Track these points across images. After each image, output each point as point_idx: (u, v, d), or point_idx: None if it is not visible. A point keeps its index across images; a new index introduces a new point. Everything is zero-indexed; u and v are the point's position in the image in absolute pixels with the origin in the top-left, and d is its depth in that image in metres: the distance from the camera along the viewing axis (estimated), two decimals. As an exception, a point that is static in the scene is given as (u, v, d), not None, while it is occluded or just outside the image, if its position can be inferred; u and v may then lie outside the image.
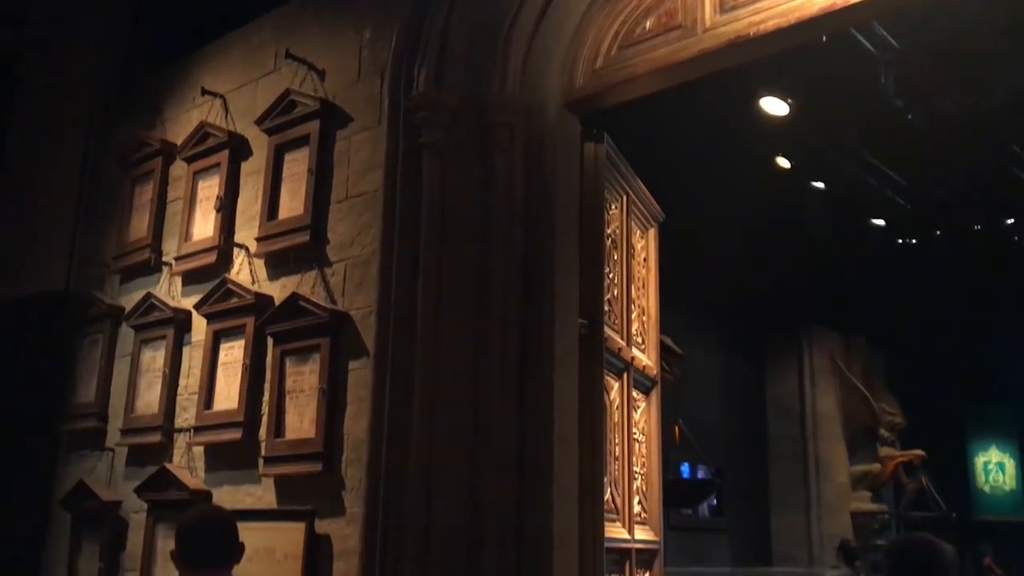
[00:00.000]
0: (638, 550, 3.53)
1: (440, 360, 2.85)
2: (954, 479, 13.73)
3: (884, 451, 11.28)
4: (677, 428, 6.87)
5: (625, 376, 3.58)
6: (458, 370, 2.83)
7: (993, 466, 15.30)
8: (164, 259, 4.08)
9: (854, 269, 10.83)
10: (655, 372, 4.12)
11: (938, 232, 11.58)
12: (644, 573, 3.71)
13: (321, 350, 3.25)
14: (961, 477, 14.70)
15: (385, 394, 2.88)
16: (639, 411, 3.88)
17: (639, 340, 3.92)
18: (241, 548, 2.64)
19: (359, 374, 3.16)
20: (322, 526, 3.11)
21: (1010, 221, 11.47)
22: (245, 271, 3.69)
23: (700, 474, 9.29)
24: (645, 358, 3.95)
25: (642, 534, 3.67)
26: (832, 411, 11.19)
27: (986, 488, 15.16)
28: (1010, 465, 15.27)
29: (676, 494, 6.63)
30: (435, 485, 2.73)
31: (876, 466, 11.20)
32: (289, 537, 3.14)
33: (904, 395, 11.96)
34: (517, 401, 2.75)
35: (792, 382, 11.13)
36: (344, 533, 3.05)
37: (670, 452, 7.20)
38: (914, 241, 10.85)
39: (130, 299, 4.16)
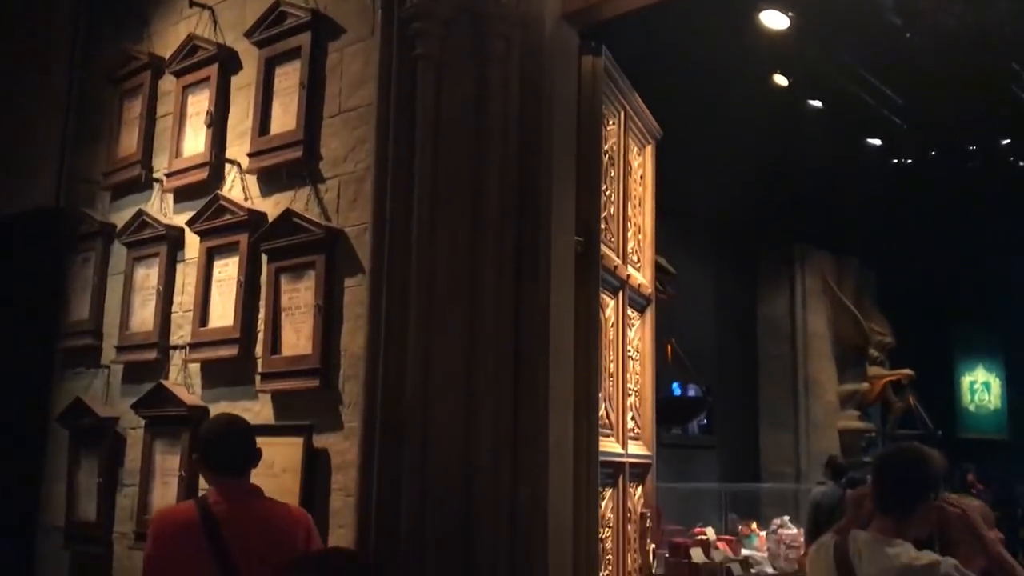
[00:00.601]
0: (631, 464, 3.59)
1: (436, 276, 2.84)
2: (941, 398, 13.96)
3: (873, 370, 11.41)
4: (670, 347, 6.91)
5: (620, 294, 3.58)
6: (454, 286, 2.82)
7: (979, 386, 15.55)
8: (155, 176, 4.02)
9: (849, 189, 10.77)
10: (650, 291, 4.13)
11: (933, 153, 11.51)
12: (637, 486, 3.77)
13: (316, 267, 3.24)
14: (947, 396, 14.96)
15: (381, 310, 2.88)
16: (633, 329, 3.89)
17: (634, 258, 3.91)
18: (259, 454, 2.75)
19: (355, 291, 3.15)
20: (320, 440, 3.14)
21: (1006, 141, 11.40)
22: (237, 187, 3.65)
23: (691, 393, 9.40)
24: (640, 276, 3.95)
25: (635, 449, 3.72)
26: (823, 331, 11.28)
27: (971, 407, 15.45)
28: (995, 385, 15.53)
29: (667, 412, 6.71)
30: (432, 399, 2.75)
31: (865, 385, 11.34)
32: (287, 451, 3.17)
33: (894, 315, 12.05)
34: (513, 317, 2.74)
35: (784, 302, 11.19)
36: (342, 447, 3.08)
37: (662, 370, 7.26)
38: (909, 161, 10.78)
39: (121, 216, 4.12)
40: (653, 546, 3.92)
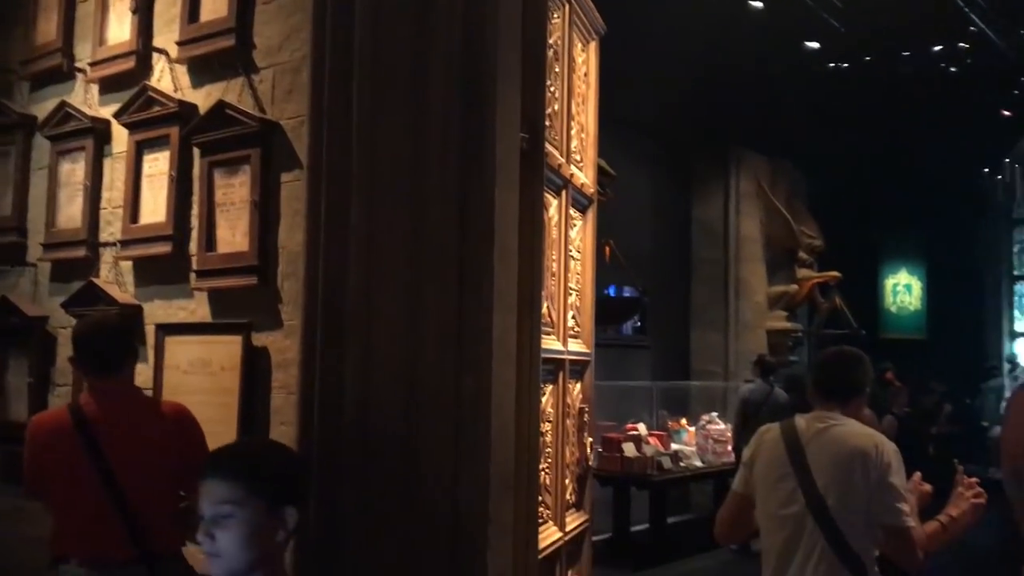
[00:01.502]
0: (571, 361, 3.63)
1: (377, 171, 2.77)
2: (865, 299, 14.44)
3: (802, 273, 11.70)
4: (608, 248, 6.96)
5: (564, 193, 3.56)
6: (397, 181, 2.75)
7: (901, 288, 16.10)
8: (78, 65, 3.82)
9: (785, 93, 10.81)
10: (592, 191, 4.11)
11: (868, 58, 11.57)
12: (576, 383, 3.83)
13: (251, 161, 3.14)
14: (871, 297, 15.48)
15: (321, 206, 2.80)
16: (576, 229, 3.89)
17: (578, 158, 3.88)
18: (133, 353, 2.74)
19: (292, 186, 3.07)
20: (259, 339, 3.10)
21: (938, 48, 11.51)
22: (167, 78, 3.49)
23: (627, 294, 9.54)
24: (583, 176, 3.92)
25: (575, 346, 3.76)
26: (755, 234, 11.47)
27: (893, 308, 16.02)
28: (916, 287, 16.10)
29: (604, 312, 6.79)
30: (375, 296, 2.71)
31: (794, 287, 11.63)
32: (226, 350, 3.13)
33: (823, 219, 12.30)
34: (458, 213, 2.70)
35: (718, 206, 11.32)
36: (282, 345, 3.05)
37: (600, 272, 7.30)
38: (845, 65, 10.82)
39: (43, 108, 3.92)
40: (590, 440, 4.01)
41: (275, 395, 3.07)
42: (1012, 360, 15.06)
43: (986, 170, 14.33)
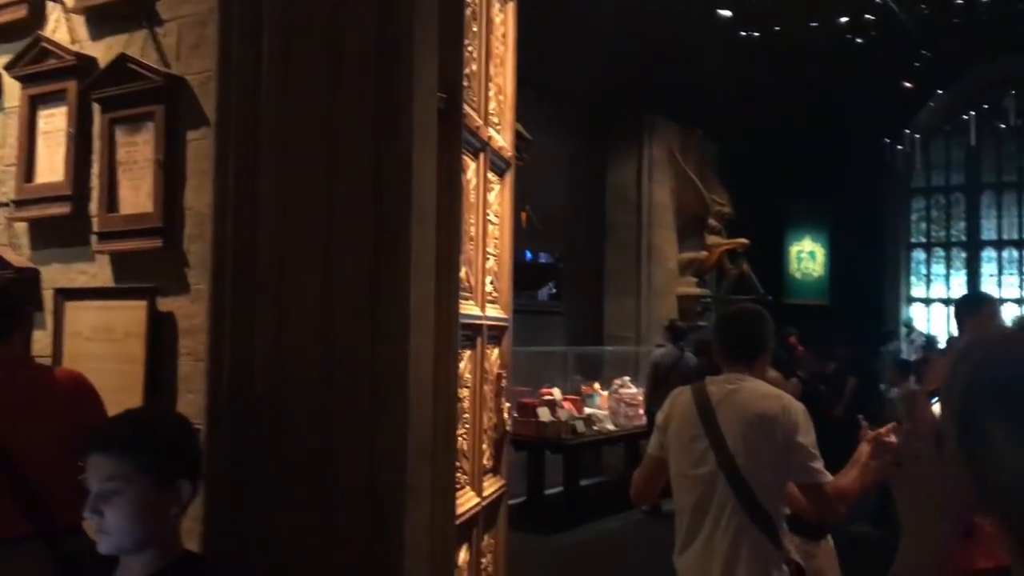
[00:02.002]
0: (489, 327, 3.60)
1: (289, 131, 2.67)
2: (771, 266, 14.82)
3: (711, 239, 11.92)
4: (524, 214, 6.94)
5: (482, 156, 3.51)
6: (309, 142, 2.66)
7: (805, 255, 16.57)
8: (-39, 12, 3.57)
9: (697, 61, 10.93)
10: (510, 154, 4.07)
11: (777, 28, 11.77)
12: (494, 348, 3.80)
13: (155, 118, 2.99)
14: (777, 264, 15.89)
15: (229, 166, 2.69)
16: (494, 193, 3.84)
17: (496, 120, 3.82)
18: (20, 318, 2.73)
19: (199, 144, 2.94)
20: (165, 304, 2.98)
21: (844, 19, 11.78)
22: (62, 29, 3.28)
23: (542, 259, 9.56)
24: (501, 139, 3.87)
25: (493, 312, 3.73)
26: (667, 201, 11.62)
27: (797, 274, 16.49)
28: (820, 254, 16.59)
29: (520, 277, 6.78)
30: (287, 260, 2.62)
31: (703, 253, 11.85)
32: (130, 315, 2.99)
33: (732, 187, 12.54)
34: (373, 175, 2.62)
35: (631, 172, 11.42)
36: (189, 311, 2.94)
37: (516, 237, 7.27)
38: (756, 34, 11.00)
39: (-76, 57, 3.66)
40: (508, 405, 4.01)
41: (182, 362, 2.96)
42: (908, 324, 15.71)
43: (887, 140, 14.78)
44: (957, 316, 4.62)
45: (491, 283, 3.77)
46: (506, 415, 3.95)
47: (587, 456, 9.18)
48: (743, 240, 12.06)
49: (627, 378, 9.59)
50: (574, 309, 10.79)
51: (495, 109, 3.82)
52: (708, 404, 2.93)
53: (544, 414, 7.98)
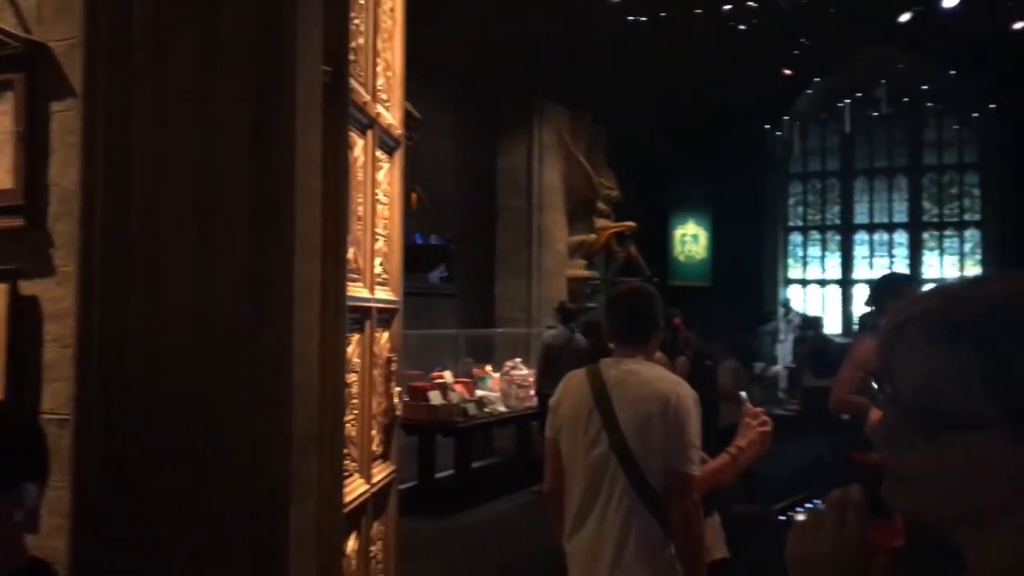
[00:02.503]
0: (378, 309, 3.51)
1: (163, 104, 2.51)
2: (656, 248, 15.12)
3: (600, 222, 12.06)
4: (415, 195, 6.84)
5: (370, 133, 3.40)
6: (185, 115, 2.51)
7: (688, 238, 16.99)
8: None
9: (586, 46, 11.00)
10: (399, 132, 3.97)
11: (663, 14, 11.96)
12: (383, 331, 3.72)
13: (15, 87, 2.77)
14: (662, 247, 16.24)
15: (98, 141, 2.52)
16: (383, 172, 3.74)
17: (384, 97, 3.72)
18: None
19: (65, 117, 2.74)
20: (28, 287, 2.77)
21: (728, 7, 12.05)
22: (-95, -13, 3.01)
23: (433, 241, 9.48)
24: (390, 116, 3.77)
25: (383, 294, 3.65)
26: (557, 184, 11.69)
27: (681, 257, 16.89)
28: (703, 237, 17.04)
29: (411, 259, 6.69)
30: (162, 241, 2.48)
31: (592, 236, 11.97)
32: (-12, 300, 2.78)
33: (620, 171, 12.70)
34: (255, 150, 2.49)
35: (521, 155, 11.42)
36: (55, 294, 2.74)
37: (406, 219, 7.16)
38: (643, 19, 11.13)
39: None
40: (398, 389, 3.93)
41: (48, 349, 2.76)
42: (786, 305, 16.30)
43: (767, 127, 15.24)
44: (876, 296, 4.70)
45: (380, 265, 3.68)
46: (396, 400, 3.88)
47: (479, 438, 9.19)
48: (630, 223, 12.25)
49: (518, 360, 9.62)
50: (466, 291, 10.76)
51: (383, 85, 3.72)
52: (603, 386, 2.94)
53: (435, 397, 7.92)
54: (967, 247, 16.70)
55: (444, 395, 8.00)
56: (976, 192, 16.60)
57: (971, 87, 14.55)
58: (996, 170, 15.47)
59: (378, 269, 3.62)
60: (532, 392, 8.91)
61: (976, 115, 14.47)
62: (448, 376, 8.44)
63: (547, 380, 8.08)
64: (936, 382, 0.88)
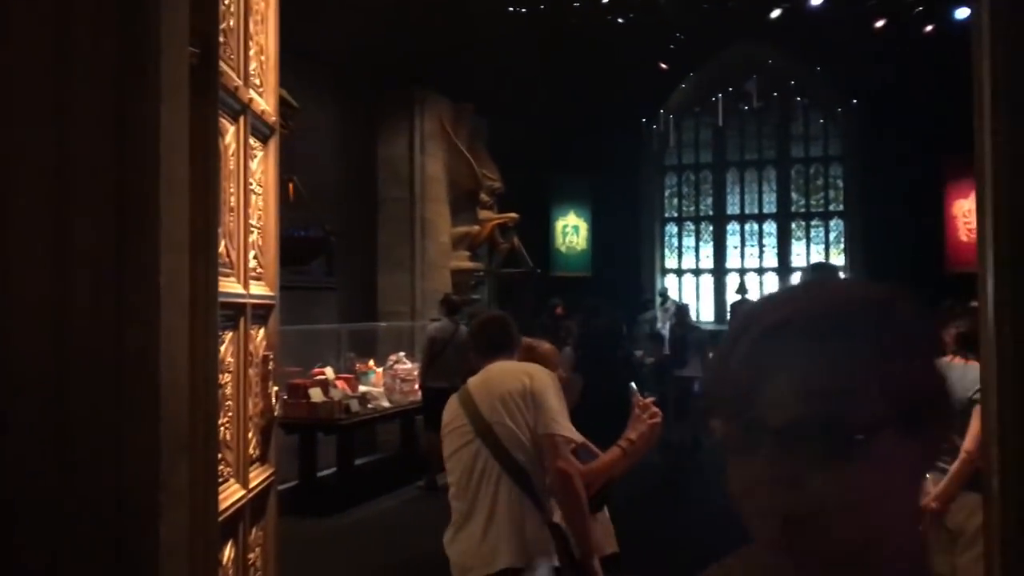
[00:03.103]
0: (253, 305, 3.35)
1: (11, 84, 2.30)
2: (539, 240, 15.21)
3: (483, 214, 12.02)
4: (291, 185, 6.61)
5: (242, 120, 3.23)
6: (37, 96, 2.30)
7: (569, 229, 17.15)
8: None
9: (467, 36, 10.92)
10: (274, 119, 3.80)
11: (543, 6, 12.01)
12: (259, 328, 3.55)
13: None
14: (544, 238, 16.34)
15: (-66, 125, 2.28)
16: (256, 160, 3.57)
17: (257, 82, 3.54)
18: None
19: None
20: None
21: (606, 0, 12.21)
22: None
23: (312, 234, 9.21)
24: (264, 102, 3.60)
25: (258, 289, 3.48)
26: (439, 175, 11.58)
27: (562, 248, 17.05)
28: (583, 228, 17.23)
29: (289, 252, 6.47)
30: (11, 233, 2.27)
31: (475, 227, 11.92)
32: None
33: (502, 162, 12.69)
34: (115, 135, 2.31)
35: (403, 145, 11.26)
36: None
37: (284, 210, 6.92)
38: (523, 10, 11.13)
39: None
40: (276, 388, 3.77)
41: None
42: (663, 294, 16.64)
43: (644, 120, 15.52)
44: None
45: (255, 258, 3.51)
46: (274, 400, 3.71)
47: (362, 434, 9.01)
48: (513, 214, 12.26)
49: (402, 354, 9.49)
50: (347, 285, 10.53)
51: (256, 70, 3.54)
52: (468, 393, 3.21)
53: (316, 395, 7.71)
54: (832, 236, 17.47)
55: (325, 392, 7.80)
56: (840, 183, 17.35)
57: (835, 83, 15.20)
58: (858, 162, 16.22)
59: (252, 263, 3.45)
60: (417, 386, 8.79)
61: (840, 109, 15.11)
62: (329, 372, 8.23)
63: (432, 374, 7.98)
64: (835, 387, 0.77)
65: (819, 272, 5.31)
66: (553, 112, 14.62)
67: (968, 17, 10.61)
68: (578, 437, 3.08)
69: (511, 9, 11.03)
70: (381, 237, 11.36)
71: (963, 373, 3.66)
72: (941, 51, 12.98)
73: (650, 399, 3.22)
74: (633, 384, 3.34)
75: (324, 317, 9.67)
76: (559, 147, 15.36)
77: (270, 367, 3.64)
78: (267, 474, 3.59)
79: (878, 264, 15.07)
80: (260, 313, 3.54)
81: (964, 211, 14.43)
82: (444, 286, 11.12)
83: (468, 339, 3.72)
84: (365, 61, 10.36)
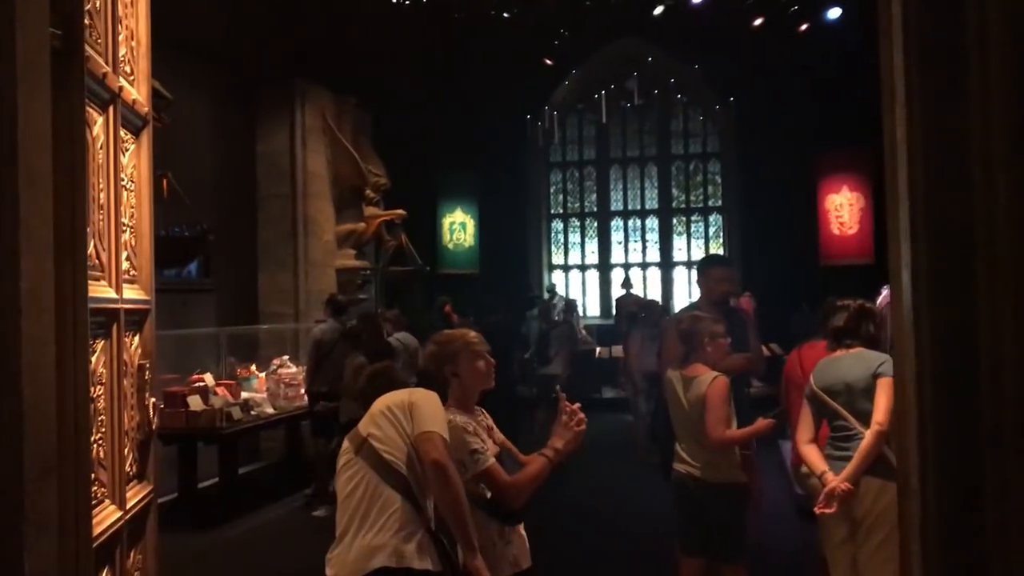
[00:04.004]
0: (127, 311, 3.10)
1: None
2: (426, 237, 15.02)
3: (369, 211, 11.74)
4: (166, 182, 6.24)
5: (111, 109, 2.98)
6: None
7: (457, 226, 17.02)
8: None
9: (351, 26, 10.64)
10: (146, 110, 3.54)
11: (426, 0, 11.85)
12: (134, 335, 3.30)
13: None
14: (431, 235, 16.16)
15: None
16: (128, 154, 3.31)
17: (128, 69, 3.29)
18: None
19: None
20: None
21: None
22: None
23: (188, 232, 8.78)
24: (135, 91, 3.34)
25: (132, 293, 3.23)
26: (322, 171, 11.25)
27: (450, 245, 16.90)
28: (470, 225, 17.13)
29: (164, 252, 6.12)
30: None
31: (361, 225, 11.65)
32: None
33: (388, 158, 12.44)
34: (-36, 125, 2.06)
35: (284, 140, 10.87)
36: None
37: (158, 208, 6.53)
38: (407, 2, 10.94)
39: None
40: (153, 400, 3.51)
41: None
42: (551, 290, 16.72)
43: (528, 117, 15.53)
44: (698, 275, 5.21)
45: (128, 259, 3.25)
46: (152, 412, 3.46)
47: (245, 443, 8.65)
48: (400, 211, 12.02)
49: (286, 357, 9.16)
50: (226, 286, 10.10)
51: (126, 56, 3.28)
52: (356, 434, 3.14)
53: (195, 403, 7.33)
54: (712, 231, 17.91)
55: (205, 400, 7.43)
56: (719, 180, 17.80)
57: (713, 81, 15.56)
58: (736, 159, 16.66)
59: (125, 265, 3.20)
60: (302, 391, 8.48)
61: (718, 107, 15.47)
62: (209, 379, 7.85)
63: (318, 378, 7.71)
64: None
65: (711, 263, 5.41)
66: (439, 107, 14.46)
67: (838, 18, 10.97)
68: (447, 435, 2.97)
69: (394, 1, 10.80)
70: (262, 236, 10.94)
71: (854, 361, 3.73)
72: (814, 51, 13.50)
73: (576, 405, 3.13)
74: (558, 386, 3.27)
75: (202, 320, 9.24)
76: (446, 143, 15.22)
77: (147, 377, 3.39)
78: (145, 492, 3.34)
79: (756, 258, 15.52)
80: (134, 319, 3.29)
81: (836, 206, 15.02)
82: (329, 286, 10.81)
83: (358, 392, 3.49)
84: (243, 51, 9.95)
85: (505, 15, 11.85)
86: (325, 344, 7.79)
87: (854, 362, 3.76)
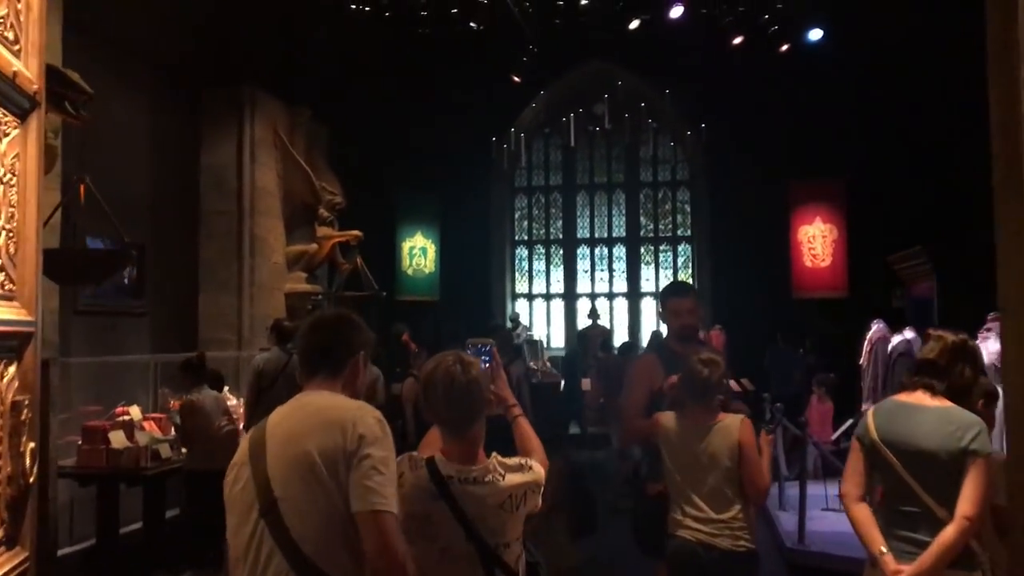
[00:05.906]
0: (6, 334, 2.44)
1: None
2: (384, 261, 14.33)
3: (322, 231, 11.05)
4: (83, 187, 5.49)
5: (-18, 83, 2.27)
6: None
7: (417, 250, 16.36)
8: None
9: (306, 32, 10.00)
10: (35, 88, 2.84)
11: (388, 13, 11.31)
12: (8, 365, 2.60)
13: None
14: (389, 260, 15.46)
15: None
16: (6, 141, 2.63)
17: (9, 36, 2.60)
18: None
19: None
20: None
21: (455, 11, 11.64)
22: None
23: (102, 245, 7.94)
24: (19, 64, 2.65)
25: (7, 312, 2.56)
26: (272, 187, 10.53)
27: (409, 271, 16.22)
28: (431, 250, 16.48)
29: (76, 267, 5.35)
30: None
31: (314, 246, 10.95)
32: None
33: (344, 176, 11.77)
34: None
35: (230, 152, 10.13)
36: None
37: (75, 216, 5.79)
38: (367, 9, 10.33)
39: None
40: (32, 445, 2.80)
41: None
42: (515, 319, 16.11)
43: (494, 139, 15.01)
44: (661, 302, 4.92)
45: (3, 271, 2.55)
46: (29, 460, 2.74)
47: (175, 483, 7.81)
48: (356, 233, 11.30)
49: (226, 389, 8.36)
50: (161, 308, 9.29)
51: (7, 17, 2.59)
52: (261, 437, 2.34)
53: (118, 439, 6.52)
54: (680, 260, 17.42)
55: (130, 436, 6.62)
56: (688, 208, 17.35)
57: (684, 107, 15.15)
58: (706, 187, 16.24)
59: (1, 277, 2.50)
60: (242, 425, 7.68)
61: (689, 133, 15.05)
62: (136, 412, 7.04)
63: (259, 411, 6.91)
64: None
65: (675, 291, 4.89)
66: (400, 123, 13.86)
67: (816, 42, 10.50)
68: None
69: (353, 7, 10.17)
70: (203, 255, 10.12)
71: (937, 422, 2.97)
72: (787, 79, 13.14)
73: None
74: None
75: (132, 346, 8.43)
76: (407, 162, 14.59)
77: (24, 417, 2.68)
78: (17, 562, 2.63)
79: (726, 290, 15.06)
80: (10, 345, 2.59)
81: (808, 237, 14.63)
82: (277, 311, 10.03)
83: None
84: (188, 52, 9.22)
85: (472, 25, 11.29)
86: (267, 375, 6.98)
87: (937, 423, 2.98)
